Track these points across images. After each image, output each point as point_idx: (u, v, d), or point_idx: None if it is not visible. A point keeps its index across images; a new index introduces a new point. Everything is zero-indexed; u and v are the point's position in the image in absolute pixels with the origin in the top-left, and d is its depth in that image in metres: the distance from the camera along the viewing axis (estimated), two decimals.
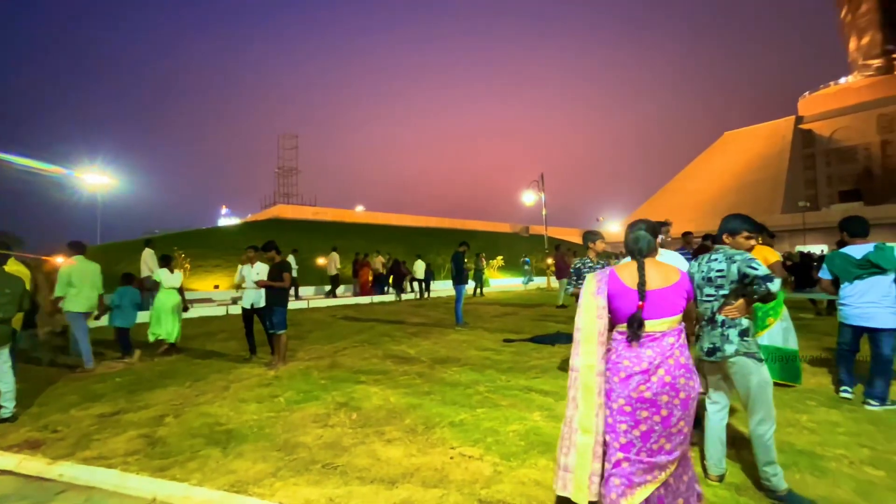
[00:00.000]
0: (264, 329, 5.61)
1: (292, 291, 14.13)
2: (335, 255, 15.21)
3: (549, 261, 18.52)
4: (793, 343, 4.17)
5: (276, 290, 5.27)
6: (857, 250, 3.55)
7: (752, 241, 2.34)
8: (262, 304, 5.55)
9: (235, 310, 10.81)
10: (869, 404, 3.52)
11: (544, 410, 3.57)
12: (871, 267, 3.45)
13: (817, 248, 26.58)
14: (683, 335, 1.77)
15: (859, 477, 2.42)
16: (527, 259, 21.39)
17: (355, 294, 15.25)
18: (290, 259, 15.56)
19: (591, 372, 1.74)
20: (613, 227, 40.77)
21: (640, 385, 1.64)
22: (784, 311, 4.25)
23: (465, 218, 42.82)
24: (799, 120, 49.01)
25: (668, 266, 1.85)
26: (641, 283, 1.72)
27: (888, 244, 3.52)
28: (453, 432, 3.15)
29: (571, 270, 3.77)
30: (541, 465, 2.61)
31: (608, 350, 1.78)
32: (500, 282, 22.85)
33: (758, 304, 4.38)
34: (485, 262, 21.45)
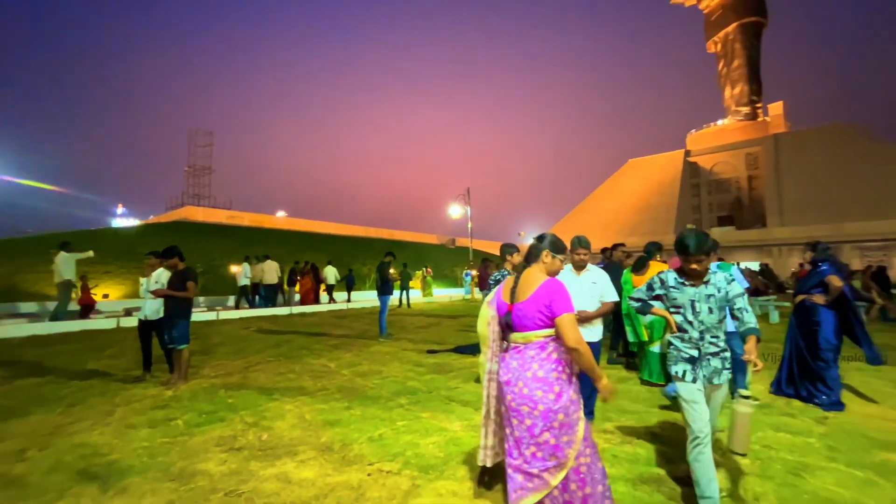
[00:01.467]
0: (161, 344, 5.03)
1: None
2: (274, 264, 14.45)
3: (474, 272, 19.04)
4: None
5: (178, 301, 4.77)
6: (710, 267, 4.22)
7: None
8: (160, 315, 4.98)
9: (129, 322, 9.57)
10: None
11: (464, 420, 3.62)
12: None
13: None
14: (551, 349, 1.78)
15: (731, 465, 2.78)
16: (468, 272, 21.80)
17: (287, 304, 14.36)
18: (245, 266, 14.42)
19: (483, 370, 2.02)
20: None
21: (506, 395, 1.77)
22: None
23: (394, 228, 42.59)
24: (687, 153, 56.30)
25: (535, 281, 1.83)
26: (514, 286, 1.88)
27: (726, 263, 4.17)
28: (372, 448, 3.07)
29: (490, 282, 3.90)
30: (459, 475, 2.64)
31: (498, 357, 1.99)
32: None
33: (656, 318, 4.95)
34: (429, 273, 21.49)
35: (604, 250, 6.37)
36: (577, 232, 3.47)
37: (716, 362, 2.25)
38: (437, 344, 7.46)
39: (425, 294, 21.54)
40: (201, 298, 14.27)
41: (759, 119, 56.13)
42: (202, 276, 15.14)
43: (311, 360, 6.22)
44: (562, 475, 1.69)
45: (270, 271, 14.31)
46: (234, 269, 13.51)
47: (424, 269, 21.86)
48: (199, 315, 11.15)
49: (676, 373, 2.26)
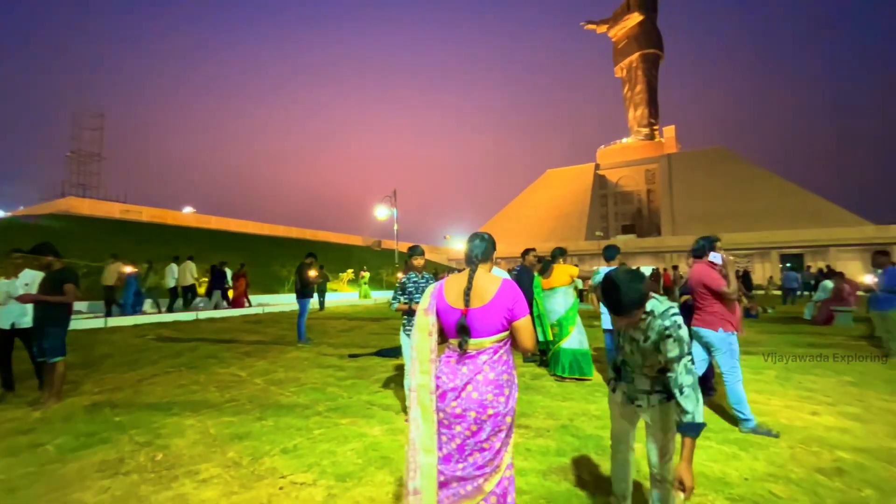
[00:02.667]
0: (30, 357, 4.30)
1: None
2: (190, 265, 13.30)
3: (399, 275, 18.93)
4: (585, 345, 5.16)
5: (51, 307, 4.11)
6: (608, 271, 4.65)
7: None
8: (28, 323, 4.25)
9: None
10: None
11: (385, 424, 3.58)
12: None
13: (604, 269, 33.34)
14: (502, 351, 1.72)
15: None
16: (362, 273, 21.46)
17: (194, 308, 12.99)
18: (173, 266, 13.05)
19: (426, 391, 1.71)
20: (459, 245, 44.08)
21: (451, 401, 1.65)
22: (578, 318, 5.24)
23: (317, 228, 40.85)
24: (597, 167, 61.59)
25: (491, 283, 1.74)
26: (468, 288, 1.71)
27: (624, 267, 4.65)
28: (285, 460, 2.90)
29: (397, 285, 3.93)
30: (377, 480, 2.60)
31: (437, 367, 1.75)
32: (348, 295, 22.33)
33: (563, 316, 5.33)
34: (364, 274, 20.74)
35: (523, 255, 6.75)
36: (500, 237, 3.63)
37: (641, 382, 1.93)
38: (359, 348, 7.29)
39: (362, 296, 20.95)
40: (84, 304, 12.45)
41: (656, 139, 63.14)
42: (86, 277, 13.22)
43: (218, 369, 5.72)
44: (496, 479, 1.66)
45: (185, 272, 13.18)
46: (125, 269, 11.92)
47: (361, 270, 21.21)
48: (82, 322, 9.72)
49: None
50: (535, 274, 5.82)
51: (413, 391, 1.76)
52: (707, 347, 3.66)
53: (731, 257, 3.68)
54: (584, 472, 2.71)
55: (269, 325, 10.74)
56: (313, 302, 13.68)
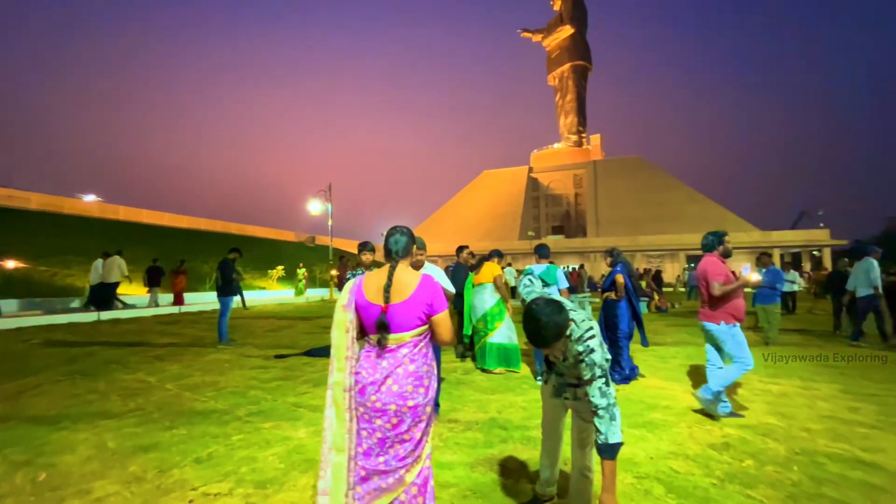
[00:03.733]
0: None
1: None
2: (117, 260, 11.98)
3: (333, 272, 18.33)
4: (514, 339, 5.36)
5: None
6: (538, 268, 4.87)
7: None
8: None
9: None
10: None
11: (312, 426, 3.44)
12: (544, 281, 4.80)
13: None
14: (422, 344, 1.75)
15: (536, 437, 3.23)
16: (299, 271, 20.57)
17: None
18: (98, 262, 11.65)
19: (340, 388, 1.71)
20: None
21: (371, 395, 1.65)
22: (507, 314, 5.43)
23: (245, 222, 38.20)
24: (531, 170, 64.28)
25: (411, 279, 1.75)
26: (388, 284, 1.71)
27: (553, 265, 4.90)
28: (197, 470, 2.68)
29: (333, 281, 3.84)
30: (301, 485, 2.48)
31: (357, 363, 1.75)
32: (278, 294, 21.24)
33: (489, 312, 5.50)
34: (300, 272, 19.56)
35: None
36: (438, 235, 3.64)
37: (569, 378, 2.00)
38: (287, 348, 6.96)
39: (298, 293, 19.89)
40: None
41: (584, 147, 67.24)
42: None
43: (122, 375, 5.15)
44: (416, 471, 1.68)
45: (112, 268, 11.88)
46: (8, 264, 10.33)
47: (298, 267, 20.06)
48: None
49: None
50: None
51: (329, 389, 1.74)
52: (714, 342, 3.68)
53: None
54: (511, 462, 2.81)
55: (186, 326, 9.88)
56: (237, 300, 12.86)
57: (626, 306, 5.06)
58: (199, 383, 4.79)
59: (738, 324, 3.54)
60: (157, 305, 13.29)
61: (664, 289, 18.32)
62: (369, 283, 1.78)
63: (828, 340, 7.67)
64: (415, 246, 1.95)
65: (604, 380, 1.77)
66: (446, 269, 6.50)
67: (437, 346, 3.65)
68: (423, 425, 1.70)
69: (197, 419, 3.60)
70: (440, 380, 4.02)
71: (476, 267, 5.69)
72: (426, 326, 1.76)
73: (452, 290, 3.78)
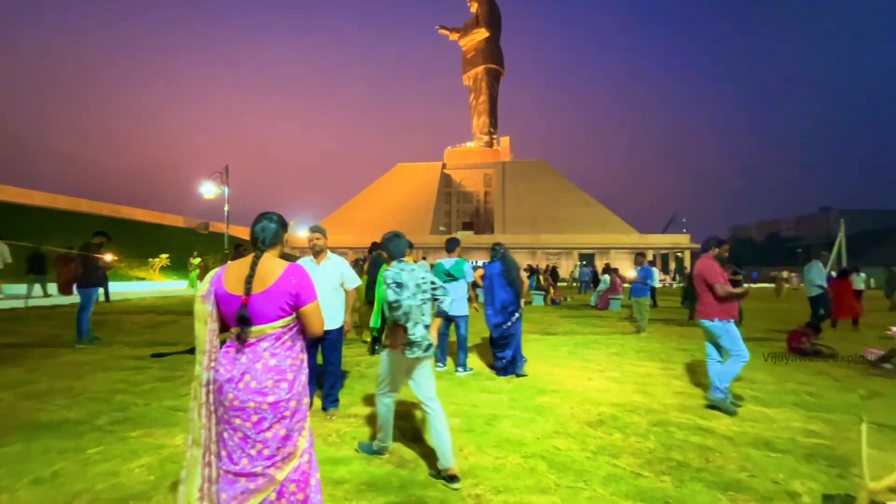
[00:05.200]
0: None
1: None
2: (2, 245, 10.35)
3: (195, 260, 16.65)
4: None
5: None
6: (447, 262, 5.01)
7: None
8: None
9: None
10: (458, 372, 4.95)
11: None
12: (450, 275, 4.95)
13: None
14: (286, 337, 1.67)
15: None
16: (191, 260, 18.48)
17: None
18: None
19: (198, 383, 1.62)
20: (302, 233, 41.40)
21: (229, 393, 1.56)
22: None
23: (121, 203, 32.97)
24: (444, 166, 65.43)
25: (275, 268, 1.67)
26: (250, 275, 1.61)
27: (462, 259, 5.08)
28: (35, 493, 2.26)
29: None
30: (171, 499, 2.23)
31: (216, 358, 1.65)
32: (161, 285, 18.87)
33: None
34: (193, 261, 17.11)
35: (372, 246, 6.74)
36: (348, 226, 3.50)
37: (413, 352, 2.47)
38: (167, 346, 6.19)
39: (192, 285, 17.61)
40: None
41: (494, 147, 70.22)
42: None
43: None
44: (289, 468, 1.61)
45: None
46: None
47: (192, 256, 17.66)
48: None
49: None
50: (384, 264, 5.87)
51: (194, 381, 1.65)
52: (711, 338, 3.86)
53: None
54: (406, 453, 2.84)
55: (33, 323, 8.29)
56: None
57: (486, 297, 5.20)
58: (46, 390, 4.05)
59: (731, 320, 3.77)
60: (33, 297, 11.57)
61: (559, 283, 20.01)
62: (230, 273, 1.67)
63: (687, 329, 9.03)
64: (286, 235, 1.85)
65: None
66: (355, 262, 6.34)
67: (338, 342, 3.57)
68: (287, 422, 1.62)
69: (40, 432, 3.04)
70: (343, 374, 3.91)
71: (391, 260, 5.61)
72: (291, 318, 1.68)
73: (358, 281, 3.70)
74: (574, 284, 25.93)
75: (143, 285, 19.34)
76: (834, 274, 11.16)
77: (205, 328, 1.64)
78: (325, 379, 3.61)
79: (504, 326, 4.96)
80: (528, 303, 14.19)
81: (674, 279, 33.88)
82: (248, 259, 1.67)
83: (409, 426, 3.30)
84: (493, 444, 2.99)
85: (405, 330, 2.48)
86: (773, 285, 21.62)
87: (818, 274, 7.87)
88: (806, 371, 5.27)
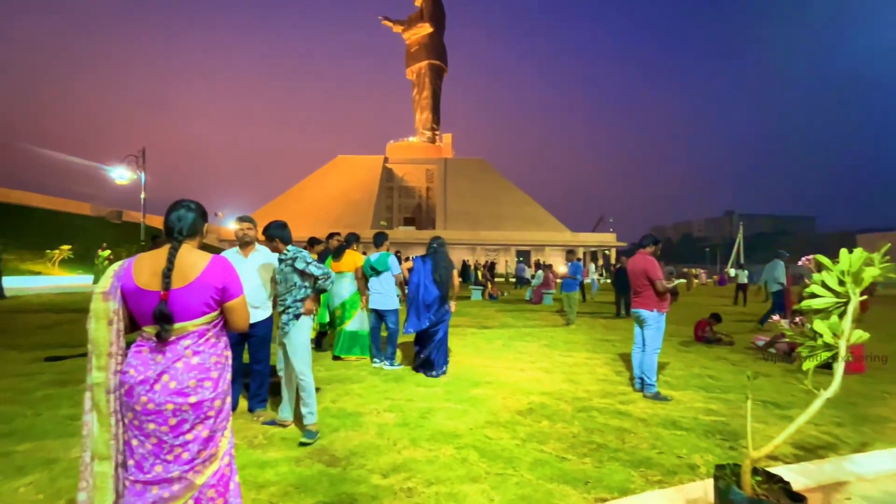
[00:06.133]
0: None
1: None
2: None
3: (103, 252, 15.10)
4: (367, 327, 5.36)
5: None
6: (374, 256, 4.98)
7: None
8: None
9: None
10: (385, 365, 4.92)
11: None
12: (375, 269, 4.91)
13: None
14: (210, 333, 1.58)
15: (379, 421, 3.30)
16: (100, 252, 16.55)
17: None
18: None
19: (102, 390, 1.45)
20: (231, 224, 38.80)
21: (142, 397, 1.44)
22: (362, 303, 5.39)
23: (9, 186, 28.41)
24: (386, 160, 64.51)
25: (197, 260, 1.56)
26: (169, 269, 1.49)
27: (387, 253, 5.05)
28: None
29: None
30: None
31: (123, 360, 1.50)
32: (64, 280, 16.76)
33: (347, 300, 5.34)
34: (101, 253, 14.98)
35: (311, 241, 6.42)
36: (284, 218, 3.33)
37: (283, 317, 3.01)
38: (67, 348, 5.51)
39: (97, 280, 15.51)
40: None
41: (437, 144, 70.47)
42: None
43: None
44: (209, 471, 1.51)
45: None
46: None
47: (100, 248, 15.58)
48: None
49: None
50: (329, 257, 5.66)
51: (88, 391, 1.47)
52: (641, 325, 4.18)
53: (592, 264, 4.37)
54: (339, 450, 2.77)
55: None
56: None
57: (410, 291, 4.96)
58: None
59: (664, 313, 4.13)
60: None
61: (496, 279, 20.60)
62: (142, 266, 1.52)
63: (611, 322, 9.70)
64: (206, 224, 1.72)
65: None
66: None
67: (266, 338, 3.39)
68: (210, 422, 1.52)
69: None
70: (272, 373, 3.73)
71: (338, 253, 5.42)
72: (216, 314, 1.58)
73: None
74: (512, 280, 26.85)
75: (39, 280, 17.04)
76: (732, 272, 12.57)
77: (107, 328, 1.48)
78: (252, 378, 3.42)
79: (424, 324, 4.70)
80: (452, 298, 14.45)
81: (601, 275, 36.32)
82: (164, 251, 1.53)
83: (341, 423, 3.22)
84: (427, 438, 3.01)
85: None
86: (685, 280, 23.92)
87: (781, 272, 8.29)
88: (708, 357, 5.90)
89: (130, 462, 1.45)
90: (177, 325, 1.48)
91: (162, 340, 1.47)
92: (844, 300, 1.83)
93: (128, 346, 1.53)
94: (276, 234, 3.06)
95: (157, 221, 28.48)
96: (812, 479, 2.46)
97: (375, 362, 5.03)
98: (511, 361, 5.39)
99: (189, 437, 1.47)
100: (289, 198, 58.95)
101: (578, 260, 9.45)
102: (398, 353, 5.13)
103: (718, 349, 6.47)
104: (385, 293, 4.94)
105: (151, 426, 1.44)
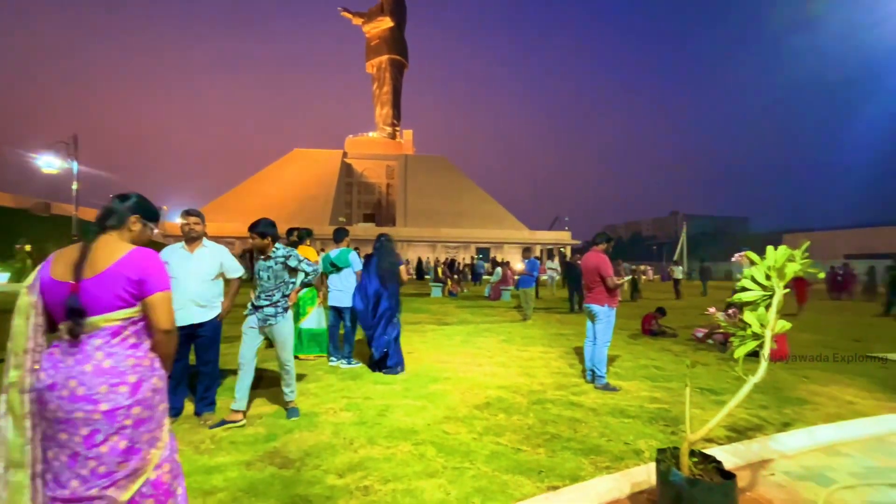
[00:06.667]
0: None
1: None
2: None
3: (24, 247, 13.97)
4: (323, 325, 5.24)
5: None
6: (333, 253, 4.90)
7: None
8: None
9: None
10: (341, 364, 4.83)
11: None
12: (336, 265, 4.83)
13: None
14: (127, 332, 1.45)
15: (336, 421, 3.24)
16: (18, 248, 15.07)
17: None
18: None
19: (17, 390, 1.33)
20: (177, 219, 36.56)
21: (50, 403, 1.32)
22: (318, 300, 5.26)
23: None
24: (345, 154, 63.15)
25: (115, 251, 1.45)
26: (81, 258, 1.39)
27: (347, 249, 4.96)
28: None
29: None
30: None
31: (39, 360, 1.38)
32: None
33: (303, 297, 5.17)
34: (21, 248, 13.43)
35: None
36: (237, 213, 3.24)
37: (268, 310, 3.16)
38: None
39: (17, 278, 14.17)
40: None
41: (397, 140, 69.86)
42: None
43: None
44: (135, 486, 1.37)
45: None
46: None
47: (19, 244, 14.07)
48: None
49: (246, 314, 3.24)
50: None
51: (2, 392, 1.35)
52: (592, 319, 4.34)
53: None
54: (292, 451, 2.70)
55: None
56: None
57: (362, 287, 4.87)
58: None
59: (615, 308, 4.29)
60: None
61: (455, 276, 20.74)
62: (59, 258, 1.42)
63: (565, 316, 10.05)
64: (135, 216, 1.58)
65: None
66: (247, 252, 5.78)
67: (214, 338, 3.22)
68: (129, 432, 1.38)
69: None
70: (222, 375, 3.56)
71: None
72: (135, 310, 1.45)
73: (241, 270, 3.40)
74: (469, 278, 27.09)
75: None
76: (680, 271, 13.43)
77: (25, 323, 1.37)
78: (200, 380, 3.25)
79: (368, 319, 4.68)
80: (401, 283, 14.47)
81: (558, 272, 37.53)
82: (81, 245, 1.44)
83: (295, 424, 3.14)
84: (384, 435, 2.99)
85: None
86: (630, 278, 25.29)
87: None
88: (654, 348, 6.26)
89: (49, 476, 1.33)
90: (89, 321, 1.37)
91: (74, 336, 1.35)
92: (770, 293, 2.00)
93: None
94: (270, 232, 3.19)
95: (90, 214, 26.27)
96: (742, 458, 2.67)
97: (332, 360, 4.94)
98: (469, 357, 5.46)
99: (103, 448, 1.33)
100: (242, 192, 56.37)
101: (536, 258, 9.71)
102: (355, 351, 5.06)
103: (663, 341, 6.87)
104: (345, 290, 4.85)
105: (63, 436, 1.32)
